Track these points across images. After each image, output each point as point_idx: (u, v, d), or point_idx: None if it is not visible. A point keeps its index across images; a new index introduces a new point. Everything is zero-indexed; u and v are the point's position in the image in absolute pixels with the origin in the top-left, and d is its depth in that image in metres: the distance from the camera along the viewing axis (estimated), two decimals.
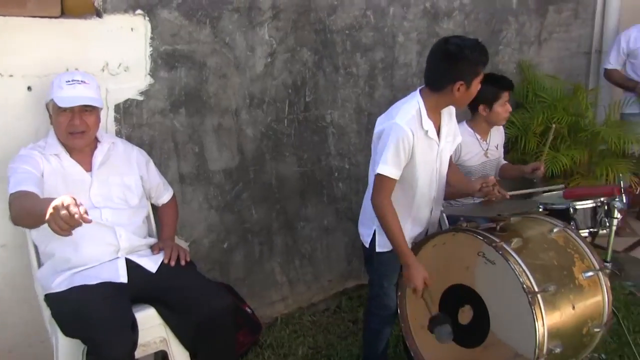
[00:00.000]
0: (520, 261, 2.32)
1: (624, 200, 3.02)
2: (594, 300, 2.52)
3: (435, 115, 2.58)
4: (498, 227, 2.55)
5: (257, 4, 3.24)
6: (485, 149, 3.58)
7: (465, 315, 2.52)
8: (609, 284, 2.59)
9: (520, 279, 2.26)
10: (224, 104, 3.27)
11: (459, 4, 4.16)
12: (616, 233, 5.09)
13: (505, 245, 2.37)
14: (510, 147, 4.42)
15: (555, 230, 2.62)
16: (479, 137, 3.55)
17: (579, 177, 4.38)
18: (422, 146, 2.53)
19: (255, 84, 3.35)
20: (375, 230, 2.68)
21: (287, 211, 3.67)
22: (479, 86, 2.55)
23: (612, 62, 4.96)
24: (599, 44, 5.34)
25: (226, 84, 3.25)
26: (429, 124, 2.54)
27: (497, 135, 3.69)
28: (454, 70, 2.47)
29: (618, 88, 5.08)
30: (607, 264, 2.83)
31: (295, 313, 3.84)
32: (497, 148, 3.68)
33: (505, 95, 3.39)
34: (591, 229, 3.18)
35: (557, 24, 4.98)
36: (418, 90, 2.60)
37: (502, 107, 3.41)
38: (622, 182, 3.06)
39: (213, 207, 3.37)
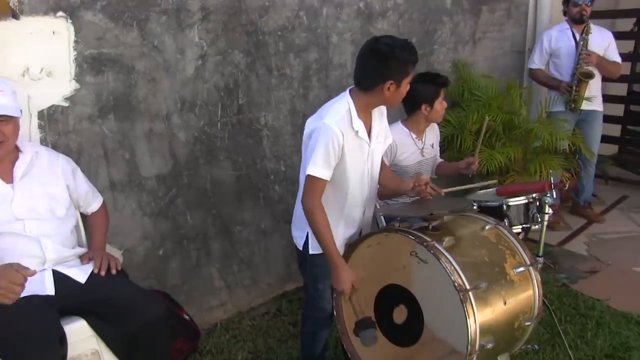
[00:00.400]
0: (451, 259, 2.32)
1: (555, 196, 3.06)
2: (525, 295, 2.55)
3: (365, 115, 2.57)
4: (430, 227, 2.56)
5: (185, 5, 3.18)
6: (420, 147, 3.60)
7: (401, 314, 2.52)
8: (539, 279, 2.63)
9: (452, 278, 2.26)
10: (154, 109, 3.20)
11: (392, 4, 4.18)
12: (550, 227, 5.28)
13: (437, 244, 2.37)
14: (446, 145, 4.46)
15: (487, 227, 2.64)
16: (414, 136, 3.57)
17: (514, 174, 4.44)
18: (352, 146, 2.52)
19: (186, 87, 3.29)
20: (308, 233, 2.65)
21: (223, 215, 3.62)
22: (408, 86, 2.55)
23: (536, 62, 5.08)
24: (531, 43, 5.44)
25: (156, 88, 3.18)
26: (359, 124, 2.52)
27: (432, 134, 3.71)
28: (384, 69, 2.46)
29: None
30: (539, 259, 2.86)
31: (235, 318, 3.80)
32: (432, 147, 3.70)
33: (442, 92, 3.44)
34: (524, 225, 3.22)
35: (491, 24, 5.05)
36: (348, 91, 2.57)
37: (441, 105, 3.45)
38: (552, 178, 3.11)
39: (147, 214, 3.29)
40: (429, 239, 2.39)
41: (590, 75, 4.77)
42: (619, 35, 6.16)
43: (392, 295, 2.54)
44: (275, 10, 3.55)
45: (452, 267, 2.29)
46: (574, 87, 4.82)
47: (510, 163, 4.48)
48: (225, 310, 3.79)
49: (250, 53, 3.50)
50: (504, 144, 4.45)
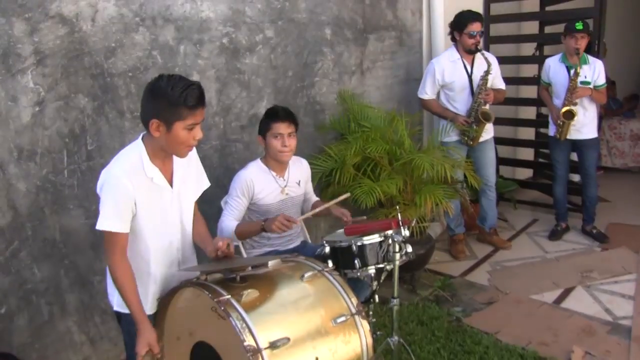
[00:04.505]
0: (244, 316, 2.15)
1: (404, 234, 2.94)
2: (345, 347, 2.37)
3: (164, 160, 2.40)
4: (238, 278, 2.38)
5: (14, 49, 3.02)
6: (283, 186, 3.47)
7: None
8: (367, 327, 2.46)
9: (242, 336, 2.09)
10: None
11: (262, 38, 4.06)
12: (455, 257, 5.16)
13: (231, 300, 2.19)
14: (324, 181, 4.33)
15: (307, 274, 2.48)
16: (274, 174, 3.44)
17: (399, 206, 4.29)
18: (149, 195, 2.35)
19: (23, 135, 3.12)
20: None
21: (79, 266, 3.44)
22: (186, 133, 2.29)
23: (429, 93, 4.93)
24: None
25: None
26: (153, 170, 2.35)
27: (298, 171, 3.59)
28: (151, 106, 2.27)
29: None
30: (361, 309, 2.52)
31: None
32: (299, 184, 3.57)
33: (278, 127, 3.32)
34: (378, 265, 3.09)
35: (381, 52, 4.97)
36: (141, 135, 2.40)
37: (276, 140, 3.32)
38: (399, 215, 2.98)
39: None
40: (224, 293, 2.22)
41: (489, 118, 4.71)
42: (523, 60, 6.19)
43: (205, 354, 2.36)
44: (123, 51, 3.41)
45: (244, 325, 2.12)
46: (473, 126, 4.74)
47: (399, 195, 4.35)
48: None
49: (97, 97, 3.35)
50: (389, 175, 4.32)
